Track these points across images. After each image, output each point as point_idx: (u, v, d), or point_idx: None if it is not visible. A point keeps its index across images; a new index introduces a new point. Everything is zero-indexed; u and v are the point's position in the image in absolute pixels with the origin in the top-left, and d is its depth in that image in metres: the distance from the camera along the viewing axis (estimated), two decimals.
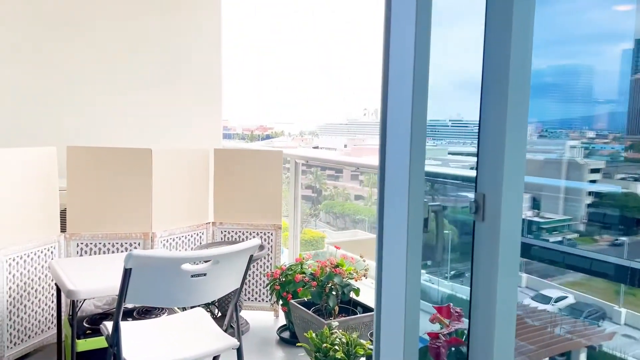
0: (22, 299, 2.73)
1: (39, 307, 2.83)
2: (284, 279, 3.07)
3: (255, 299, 3.48)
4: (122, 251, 3.08)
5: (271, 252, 3.44)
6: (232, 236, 3.48)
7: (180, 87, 4.17)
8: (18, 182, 2.70)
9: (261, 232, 3.44)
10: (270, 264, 3.45)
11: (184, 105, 4.20)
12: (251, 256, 2.05)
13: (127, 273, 1.77)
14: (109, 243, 3.06)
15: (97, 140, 3.79)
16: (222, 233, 3.47)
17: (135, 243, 3.09)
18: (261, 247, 3.28)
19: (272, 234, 3.44)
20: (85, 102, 3.82)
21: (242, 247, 1.95)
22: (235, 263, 1.98)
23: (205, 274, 1.90)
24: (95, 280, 2.36)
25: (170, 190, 3.22)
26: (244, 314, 3.39)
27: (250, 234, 3.46)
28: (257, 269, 3.46)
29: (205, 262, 1.90)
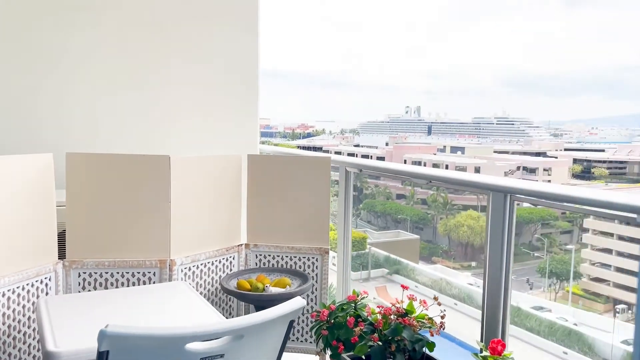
0: (5, 347, 2.17)
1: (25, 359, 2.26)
2: (332, 321, 2.40)
3: (297, 338, 2.83)
4: (133, 282, 2.48)
5: (316, 281, 2.78)
6: (268, 261, 2.83)
7: (210, 84, 3.55)
8: (5, 198, 2.13)
9: (304, 257, 2.79)
10: (315, 297, 2.79)
11: (215, 105, 3.57)
12: (291, 322, 1.38)
13: (102, 358, 1.14)
14: (118, 273, 2.47)
15: (106, 147, 3.22)
16: (257, 257, 2.84)
17: (149, 272, 2.49)
18: (304, 279, 2.62)
19: (317, 260, 2.77)
20: (89, 100, 3.26)
21: (278, 312, 1.29)
22: (268, 335, 1.32)
23: (222, 356, 1.24)
24: (87, 333, 1.75)
25: (194, 206, 2.60)
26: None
27: (291, 259, 2.80)
28: None
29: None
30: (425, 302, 2.23)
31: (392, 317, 2.13)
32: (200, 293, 2.66)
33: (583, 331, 20.59)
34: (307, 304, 2.82)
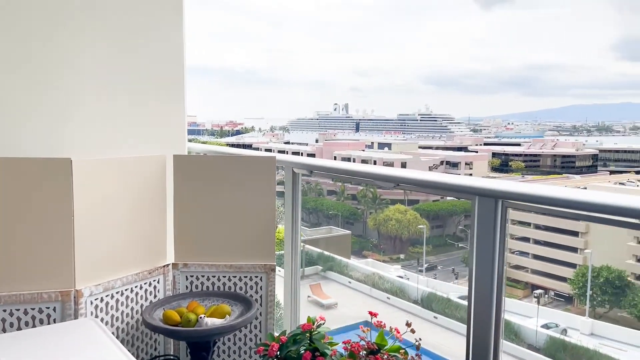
0: None
1: None
2: (284, 357, 1.97)
3: None
4: (27, 322, 1.92)
5: (261, 304, 2.33)
6: (202, 283, 2.35)
7: (128, 74, 2.97)
8: None
9: (246, 277, 2.33)
10: (261, 324, 2.34)
11: (135, 97, 3.00)
12: None
13: None
14: (5, 311, 1.90)
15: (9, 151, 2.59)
16: (187, 279, 2.35)
17: (48, 309, 1.94)
18: (247, 304, 2.17)
19: (261, 279, 2.33)
20: None
21: None
22: None
23: None
24: None
25: (105, 220, 2.07)
26: None
27: (230, 279, 2.34)
28: (243, 336, 2.34)
29: None
30: (398, 331, 1.84)
31: (361, 354, 1.73)
32: (117, 330, 2.14)
33: (508, 318, 21.46)
34: (251, 332, 2.36)
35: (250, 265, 2.33)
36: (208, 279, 2.35)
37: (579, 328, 21.64)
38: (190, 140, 3.39)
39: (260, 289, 2.34)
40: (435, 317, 20.33)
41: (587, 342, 18.13)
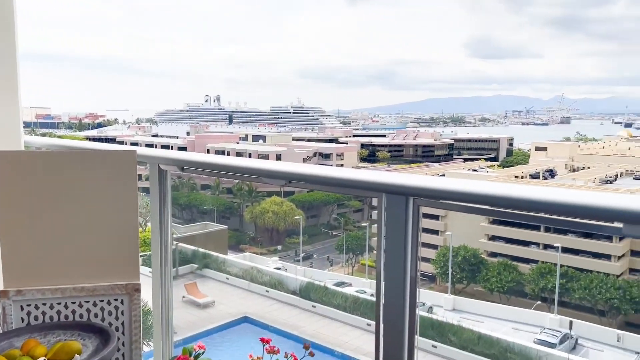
0: None
1: None
2: None
3: None
4: None
5: (123, 333, 1.90)
6: (43, 313, 1.86)
7: None
8: None
9: (102, 302, 1.88)
10: (124, 356, 1.91)
11: None
12: None
13: None
14: None
15: None
16: (23, 310, 1.84)
17: None
18: (104, 336, 1.73)
19: (122, 303, 1.89)
20: None
21: None
22: None
23: None
24: None
25: None
26: None
27: (81, 305, 1.87)
28: None
29: None
30: (295, 358, 1.56)
31: None
32: None
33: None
34: None
35: (108, 287, 1.88)
36: (52, 308, 1.86)
37: (443, 305, 23.39)
38: (44, 134, 2.77)
39: (122, 314, 1.90)
40: (313, 307, 20.64)
41: (452, 317, 19.62)
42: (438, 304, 23.04)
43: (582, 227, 1.27)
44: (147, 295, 2.28)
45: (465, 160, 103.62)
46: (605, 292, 35.81)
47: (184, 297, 18.01)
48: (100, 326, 1.81)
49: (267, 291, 21.62)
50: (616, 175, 59.77)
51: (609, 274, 37.06)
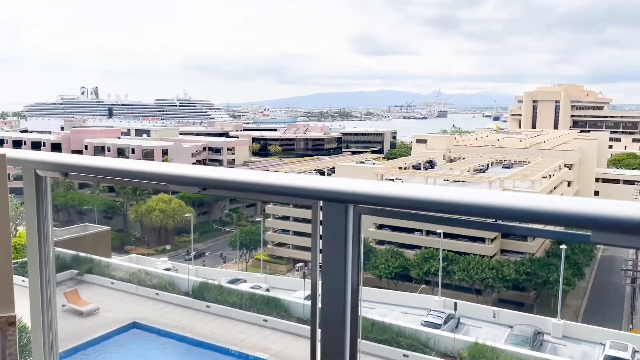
0: None
1: None
2: None
3: None
4: None
5: None
6: None
7: None
8: None
9: None
10: None
11: None
12: None
13: None
14: None
15: None
16: None
17: None
18: None
19: None
20: None
21: None
22: None
23: None
24: None
25: None
26: None
27: None
28: None
29: None
30: None
31: None
32: None
33: (278, 296, 22.44)
34: None
35: None
36: None
37: None
38: None
39: None
40: (207, 307, 20.03)
41: None
42: None
43: (549, 235, 1.18)
44: (21, 310, 1.87)
45: (354, 153, 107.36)
46: (481, 272, 39.07)
47: (63, 306, 16.54)
48: None
49: (157, 294, 20.59)
50: (488, 165, 65.34)
51: (483, 256, 40.45)
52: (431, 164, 63.12)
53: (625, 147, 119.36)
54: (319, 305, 1.44)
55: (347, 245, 1.38)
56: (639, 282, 36.41)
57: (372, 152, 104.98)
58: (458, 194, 1.18)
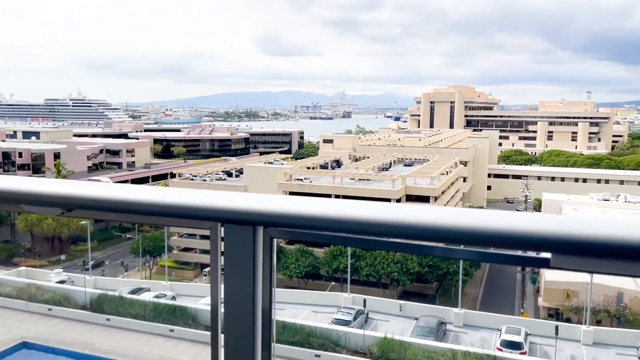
0: None
1: None
2: None
3: None
4: None
5: None
6: None
7: None
8: None
9: None
10: None
11: None
12: None
13: None
14: None
15: None
16: None
17: None
18: None
19: None
20: None
21: None
22: None
23: None
24: None
25: None
26: None
27: None
28: None
29: None
30: None
31: None
32: None
33: (184, 304, 21.54)
34: None
35: None
36: None
37: None
38: None
39: None
40: (108, 320, 18.73)
41: None
42: None
43: (504, 259, 1.00)
44: None
45: (262, 153, 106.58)
46: (387, 266, 40.35)
47: None
48: None
49: (49, 309, 18.95)
50: (390, 163, 67.75)
51: (389, 251, 41.79)
52: (338, 164, 64.23)
53: (513, 144, 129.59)
54: (224, 339, 1.20)
55: (257, 271, 1.14)
56: (527, 270, 39.48)
57: (280, 152, 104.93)
58: (393, 213, 0.99)
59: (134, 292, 27.71)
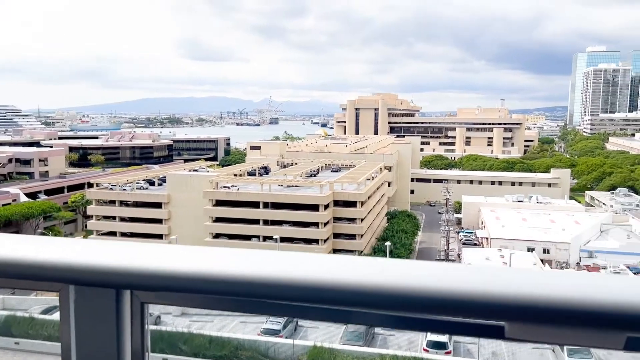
0: None
1: None
2: None
3: None
4: None
5: None
6: None
7: None
8: None
9: None
10: None
11: None
12: None
13: None
14: None
15: None
16: None
17: None
18: None
19: None
20: None
21: None
22: None
23: None
24: None
25: None
26: None
27: None
28: None
29: None
30: None
31: None
32: None
33: None
34: None
35: None
36: None
37: (172, 311, 22.53)
38: None
39: None
40: (16, 343, 17.20)
41: (181, 324, 18.93)
42: (164, 310, 21.93)
43: (454, 329, 0.79)
44: None
45: (186, 160, 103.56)
46: None
47: None
48: None
49: None
50: (318, 169, 68.15)
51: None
52: (266, 170, 63.69)
53: (434, 149, 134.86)
54: None
55: (122, 349, 0.87)
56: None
57: (206, 159, 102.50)
58: (323, 270, 0.76)
59: (47, 311, 25.79)
